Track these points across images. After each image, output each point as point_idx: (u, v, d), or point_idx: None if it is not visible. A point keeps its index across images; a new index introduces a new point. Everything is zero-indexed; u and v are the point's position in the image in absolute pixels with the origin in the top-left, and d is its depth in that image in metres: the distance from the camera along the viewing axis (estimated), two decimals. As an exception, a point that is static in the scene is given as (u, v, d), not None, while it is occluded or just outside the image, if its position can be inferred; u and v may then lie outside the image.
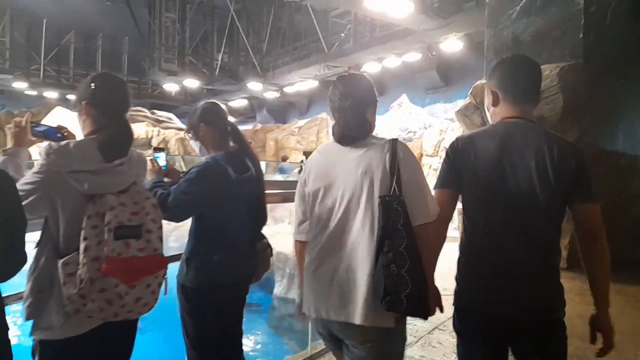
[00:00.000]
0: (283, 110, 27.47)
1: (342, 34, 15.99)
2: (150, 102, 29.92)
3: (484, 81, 6.16)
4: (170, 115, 21.33)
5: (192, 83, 20.57)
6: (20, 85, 22.35)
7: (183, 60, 20.85)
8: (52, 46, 23.59)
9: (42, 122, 1.65)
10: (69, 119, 12.98)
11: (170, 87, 21.95)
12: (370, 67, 16.34)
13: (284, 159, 10.10)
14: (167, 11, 20.23)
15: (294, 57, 19.09)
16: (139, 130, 12.08)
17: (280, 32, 19.64)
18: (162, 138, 11.90)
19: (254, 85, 20.39)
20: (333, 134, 1.55)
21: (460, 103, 6.35)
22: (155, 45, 20.69)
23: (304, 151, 11.14)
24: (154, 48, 20.86)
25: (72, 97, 25.89)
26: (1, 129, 18.18)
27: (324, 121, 14.95)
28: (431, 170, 12.01)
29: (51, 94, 24.18)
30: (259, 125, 16.74)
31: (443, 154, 2.08)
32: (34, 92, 23.89)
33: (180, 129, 19.72)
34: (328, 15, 16.66)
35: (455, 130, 10.07)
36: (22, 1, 20.05)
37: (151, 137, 12.01)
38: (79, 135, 1.60)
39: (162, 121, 19.68)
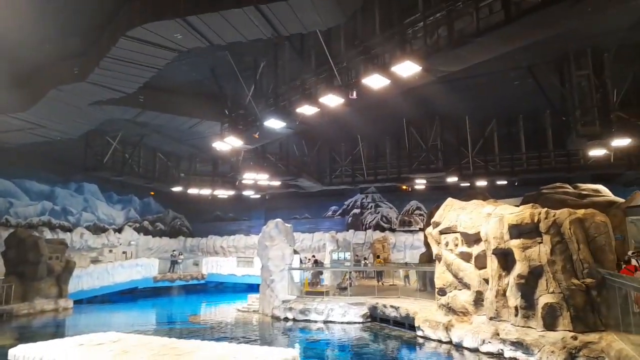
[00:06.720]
0: None
1: None
2: (589, 173, 26.33)
3: None
4: (598, 186, 17.51)
5: (622, 142, 16.34)
6: (452, 179, 25.07)
7: (608, 119, 17.13)
8: (476, 138, 25.48)
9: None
10: (455, 208, 12.71)
11: (595, 152, 18.35)
12: None
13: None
14: (579, 69, 17.57)
15: None
16: (521, 214, 9.89)
17: None
18: (553, 220, 9.28)
19: None
20: None
21: None
22: (569, 111, 18.20)
23: None
24: (568, 114, 18.38)
25: (501, 182, 26.68)
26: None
27: None
28: None
29: (481, 182, 25.95)
30: None
31: None
32: (466, 184, 26.31)
33: (610, 203, 15.67)
34: None
35: None
36: (447, 108, 22.94)
37: (538, 221, 9.60)
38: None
39: (586, 195, 16.37)
